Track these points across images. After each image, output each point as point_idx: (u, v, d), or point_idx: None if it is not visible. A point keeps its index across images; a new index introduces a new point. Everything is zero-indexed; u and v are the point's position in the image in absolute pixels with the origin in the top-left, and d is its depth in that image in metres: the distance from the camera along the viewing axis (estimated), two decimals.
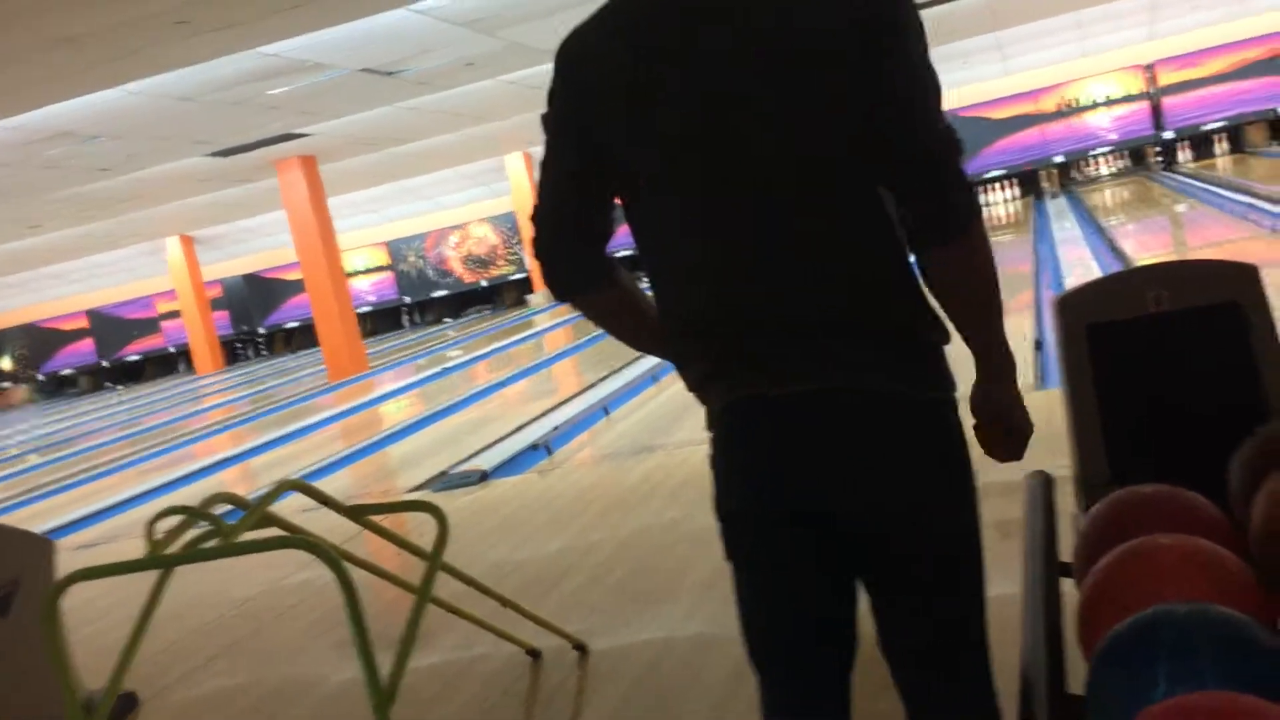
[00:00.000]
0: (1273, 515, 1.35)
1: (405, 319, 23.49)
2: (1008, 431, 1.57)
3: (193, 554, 2.41)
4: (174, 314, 22.76)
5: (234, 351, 23.90)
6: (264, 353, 24.08)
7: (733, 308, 1.47)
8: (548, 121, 1.56)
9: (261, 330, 23.71)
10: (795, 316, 1.44)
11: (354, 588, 2.13)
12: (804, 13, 1.39)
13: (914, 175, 1.41)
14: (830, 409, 1.44)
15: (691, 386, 1.60)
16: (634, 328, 1.64)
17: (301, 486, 2.87)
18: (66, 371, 24.89)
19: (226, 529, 2.47)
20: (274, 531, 2.62)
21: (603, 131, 1.49)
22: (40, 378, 25.02)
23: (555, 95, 1.55)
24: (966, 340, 1.52)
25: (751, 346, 1.47)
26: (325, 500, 2.92)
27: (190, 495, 7.27)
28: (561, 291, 1.61)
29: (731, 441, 1.52)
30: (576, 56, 1.52)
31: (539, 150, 1.58)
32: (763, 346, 1.46)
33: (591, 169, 1.52)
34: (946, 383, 1.50)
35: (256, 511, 2.53)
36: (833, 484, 1.45)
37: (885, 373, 1.44)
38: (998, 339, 1.54)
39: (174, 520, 2.65)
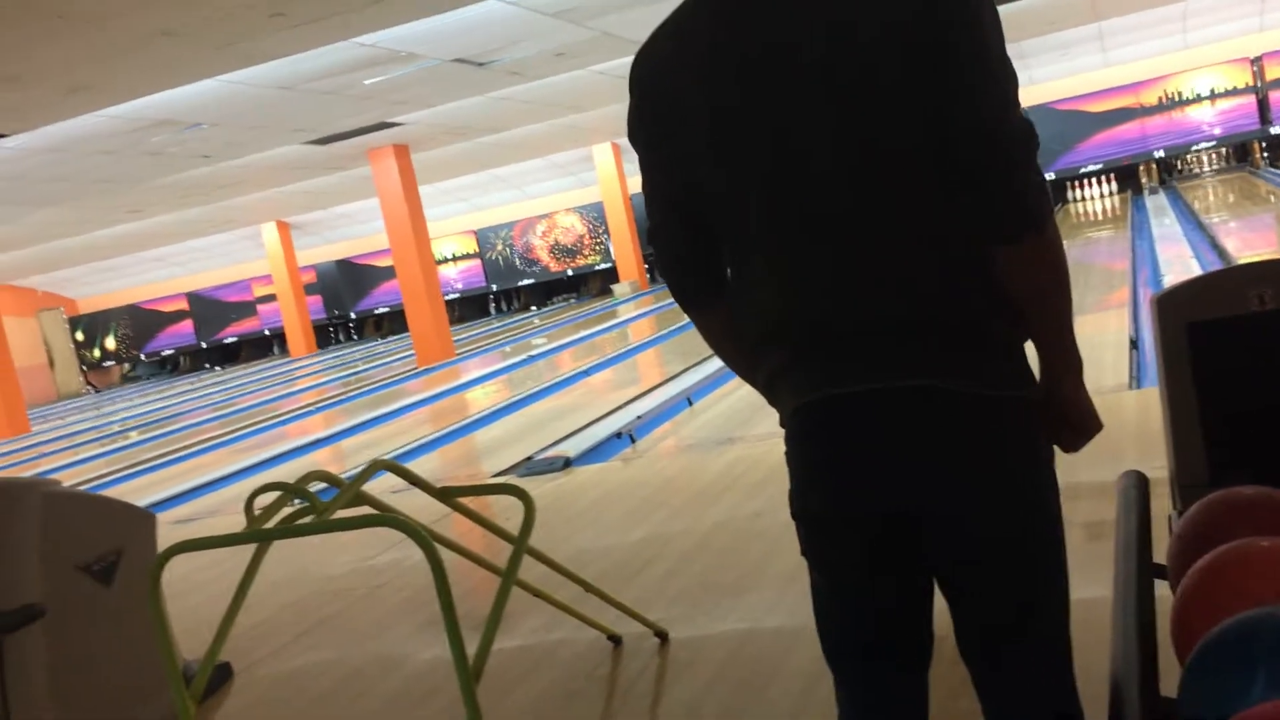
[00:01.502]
0: None
1: (492, 306, 23.76)
2: (1074, 429, 1.54)
3: (289, 529, 2.48)
4: (270, 298, 23.33)
5: (326, 335, 24.41)
6: (355, 337, 24.57)
7: (803, 311, 1.47)
8: (634, 140, 1.59)
9: (353, 315, 24.18)
10: (864, 317, 1.44)
11: (443, 568, 2.17)
12: (872, 12, 1.38)
13: (989, 171, 1.38)
14: (900, 407, 1.43)
15: (761, 388, 1.61)
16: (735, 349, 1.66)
17: (393, 467, 2.93)
18: (167, 352, 25.68)
19: (321, 506, 2.54)
20: (366, 511, 2.68)
21: (684, 143, 1.51)
22: (142, 357, 25.85)
23: (634, 114, 1.58)
24: (1033, 337, 1.50)
25: (821, 349, 1.47)
26: (416, 481, 2.98)
27: (284, 474, 7.46)
28: (684, 306, 1.66)
29: (803, 441, 1.53)
30: (651, 74, 1.55)
31: (627, 142, 1.61)
32: (832, 348, 1.46)
33: (682, 186, 1.55)
34: (1020, 380, 1.48)
35: (351, 489, 2.59)
36: (905, 482, 1.45)
37: (955, 371, 1.42)
38: (1066, 338, 1.51)
39: (271, 496, 2.74)
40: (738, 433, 6.30)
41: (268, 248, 21.53)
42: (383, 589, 4.50)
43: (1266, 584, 1.16)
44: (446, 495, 2.98)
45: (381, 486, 5.50)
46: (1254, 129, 17.96)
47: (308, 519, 2.53)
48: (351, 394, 13.44)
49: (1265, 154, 18.24)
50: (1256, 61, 17.74)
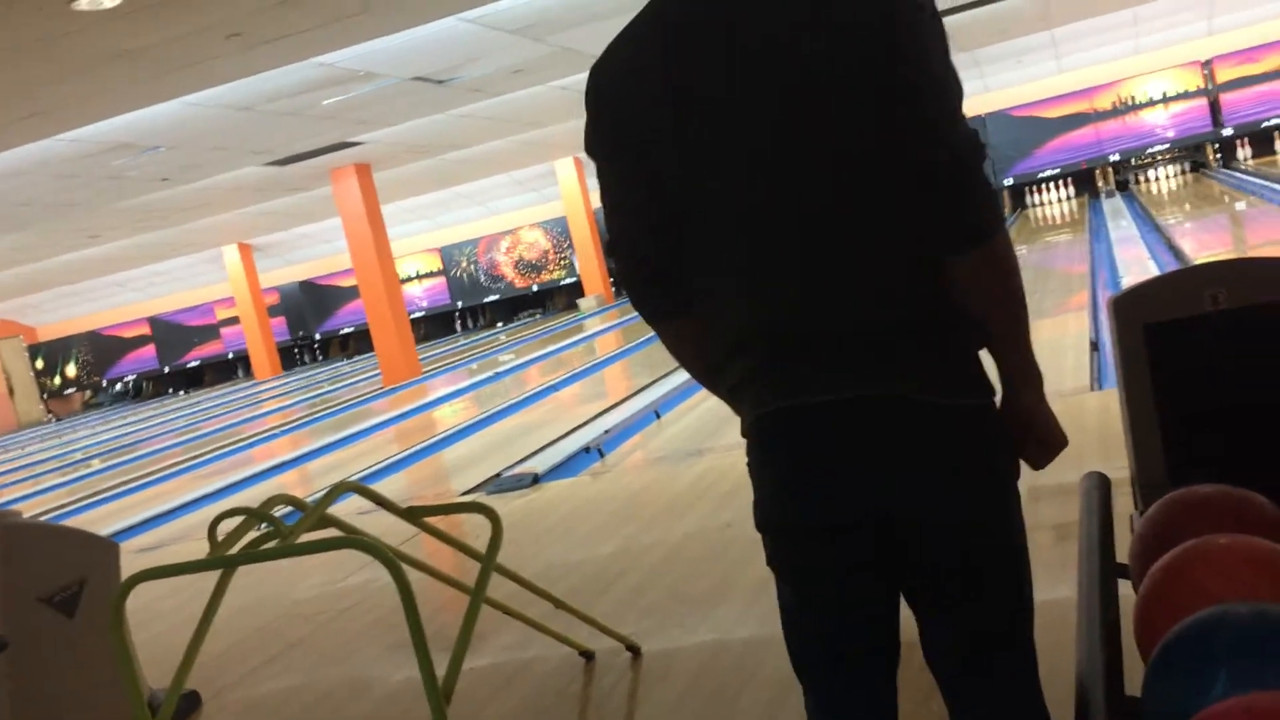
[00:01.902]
0: None
1: (458, 324, 23.69)
2: (1037, 442, 1.55)
3: (254, 554, 2.45)
4: (233, 320, 23.14)
5: (291, 357, 24.24)
6: (320, 358, 24.41)
7: (765, 322, 1.48)
8: (592, 152, 1.59)
9: (318, 336, 24.04)
10: (826, 329, 1.44)
11: (410, 588, 2.16)
12: (819, 22, 1.39)
13: (936, 183, 1.39)
14: (861, 417, 1.43)
15: (725, 398, 1.61)
16: (698, 360, 1.66)
17: (359, 489, 2.91)
18: (129, 378, 25.39)
19: (286, 530, 2.51)
20: (332, 533, 2.66)
21: (642, 155, 1.51)
22: (103, 384, 25.55)
23: (592, 126, 1.57)
24: (990, 349, 1.50)
25: (783, 359, 1.47)
26: (382, 502, 2.96)
27: (250, 498, 7.39)
28: (647, 319, 1.65)
29: (765, 452, 1.53)
30: (609, 85, 1.54)
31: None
32: (794, 359, 1.46)
33: (645, 196, 1.54)
34: (981, 389, 1.48)
35: (315, 512, 2.57)
36: (867, 492, 1.45)
37: (916, 380, 1.43)
38: (1022, 349, 1.51)
39: (235, 522, 2.71)
40: (706, 444, 6.31)
41: (229, 270, 21.36)
42: (351, 611, 4.47)
43: (1226, 582, 1.17)
44: (413, 515, 2.96)
45: (348, 508, 5.46)
46: (1206, 131, 18.24)
47: (272, 543, 2.50)
48: (317, 415, 13.34)
49: (1218, 155, 18.53)
50: (1207, 65, 18.03)
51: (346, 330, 23.56)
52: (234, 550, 2.55)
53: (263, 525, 2.68)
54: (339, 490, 2.73)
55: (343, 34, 7.74)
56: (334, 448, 10.07)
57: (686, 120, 1.46)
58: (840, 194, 1.42)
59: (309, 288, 23.67)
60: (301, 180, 14.29)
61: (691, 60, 1.46)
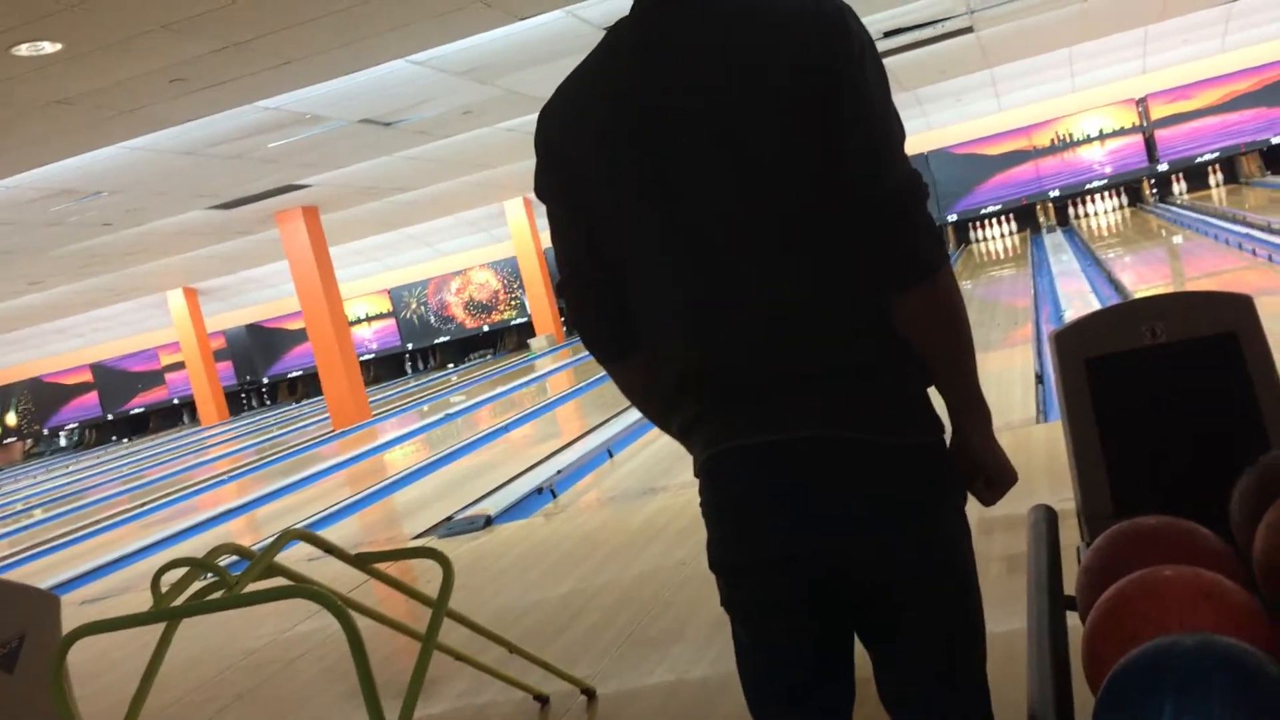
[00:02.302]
0: (1275, 545, 1.36)
1: (408, 366, 23.54)
2: (986, 480, 1.57)
3: (198, 605, 2.41)
4: (178, 366, 22.82)
5: (238, 402, 23.93)
6: (268, 402, 24.12)
7: (712, 363, 1.48)
8: (541, 195, 1.60)
9: (265, 380, 23.76)
10: (772, 369, 1.45)
11: (359, 636, 2.13)
12: (761, 66, 1.40)
13: (878, 221, 1.40)
14: (811, 457, 1.44)
15: (676, 435, 1.61)
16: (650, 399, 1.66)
17: (306, 536, 2.87)
18: (71, 425, 24.90)
19: (231, 580, 2.47)
20: (280, 581, 2.61)
21: (589, 197, 1.53)
22: (45, 432, 25.03)
23: (541, 168, 1.59)
24: (938, 386, 1.51)
25: (731, 400, 1.48)
26: (330, 549, 2.92)
27: (196, 547, 7.27)
28: (599, 359, 1.66)
29: (717, 492, 1.53)
30: (556, 129, 1.56)
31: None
32: (742, 399, 1.47)
33: (592, 238, 1.55)
34: (927, 427, 1.49)
35: (261, 562, 2.53)
36: (818, 531, 1.45)
37: (865, 420, 1.43)
38: (968, 386, 1.52)
39: (179, 573, 2.66)
40: (660, 483, 6.30)
41: (174, 315, 21.08)
42: (301, 660, 4.39)
43: (1171, 612, 1.18)
44: (363, 562, 2.92)
45: (297, 555, 5.38)
46: (1142, 166, 18.67)
47: (218, 594, 2.46)
48: (266, 461, 13.16)
49: (1154, 190, 18.95)
50: (1141, 102, 18.48)
51: (295, 374, 23.32)
52: (179, 601, 2.50)
53: (208, 575, 2.63)
54: (286, 538, 2.69)
55: (287, 78, 7.72)
56: (283, 493, 9.93)
57: (629, 164, 1.48)
58: (784, 236, 1.43)
59: (256, 331, 23.42)
60: (247, 223, 14.17)
61: (635, 106, 1.47)
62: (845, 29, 1.41)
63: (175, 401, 23.94)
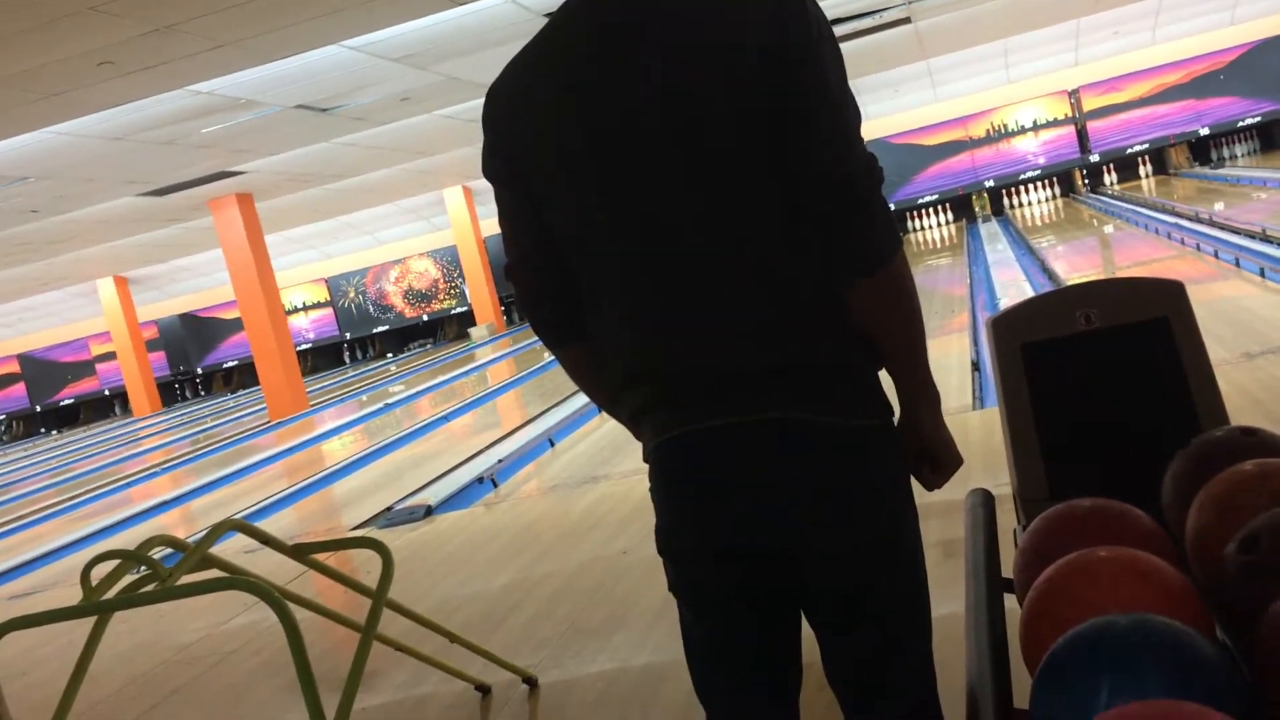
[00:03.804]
0: (1206, 525, 1.38)
1: (346, 355, 23.28)
2: (933, 463, 1.58)
3: (129, 598, 2.36)
4: (109, 356, 22.36)
5: (172, 393, 23.51)
6: (202, 393, 23.73)
7: (662, 349, 1.47)
8: (489, 176, 1.58)
9: (200, 370, 23.36)
10: (723, 355, 1.44)
11: (297, 628, 2.09)
12: (716, 49, 1.39)
13: (835, 206, 1.39)
14: (761, 440, 1.43)
15: (626, 422, 1.60)
16: (599, 384, 1.65)
17: (242, 526, 2.82)
18: None
19: (164, 572, 2.42)
20: (215, 573, 2.57)
21: (536, 182, 1.51)
22: None
23: (488, 151, 1.57)
24: (889, 371, 1.52)
25: (682, 385, 1.47)
26: (267, 540, 2.88)
27: (129, 540, 7.13)
28: (547, 344, 1.64)
29: (667, 477, 1.52)
30: (502, 111, 1.53)
31: (479, 184, 1.60)
32: (693, 385, 1.46)
33: (539, 222, 1.53)
34: (880, 410, 1.50)
35: (196, 553, 2.48)
36: (765, 515, 1.45)
37: (816, 402, 1.44)
38: (920, 371, 1.53)
39: (110, 565, 2.60)
40: (601, 471, 6.29)
41: (105, 304, 20.64)
42: (238, 653, 4.32)
43: (1106, 593, 1.20)
44: (300, 552, 2.88)
45: (233, 547, 5.30)
46: (1075, 158, 18.99)
47: (151, 586, 2.40)
48: (200, 452, 12.95)
49: (1086, 180, 19.30)
50: (1074, 94, 18.79)
51: (230, 364, 22.96)
52: (110, 595, 2.44)
53: (140, 568, 2.58)
54: (221, 529, 2.64)
55: (220, 62, 7.57)
56: (218, 485, 9.77)
57: (576, 149, 1.46)
58: (735, 219, 1.42)
59: (190, 321, 23.02)
60: (180, 211, 13.90)
61: (582, 88, 1.45)
62: (804, 12, 1.40)
63: (106, 393, 23.47)
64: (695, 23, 1.41)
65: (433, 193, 19.20)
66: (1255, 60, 17.84)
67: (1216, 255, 9.04)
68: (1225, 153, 18.67)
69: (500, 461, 7.36)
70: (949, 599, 2.08)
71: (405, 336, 22.86)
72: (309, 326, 22.56)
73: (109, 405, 23.89)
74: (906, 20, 12.28)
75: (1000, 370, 1.96)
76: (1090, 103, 18.72)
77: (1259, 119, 18.12)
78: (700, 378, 1.46)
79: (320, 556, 3.19)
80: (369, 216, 19.86)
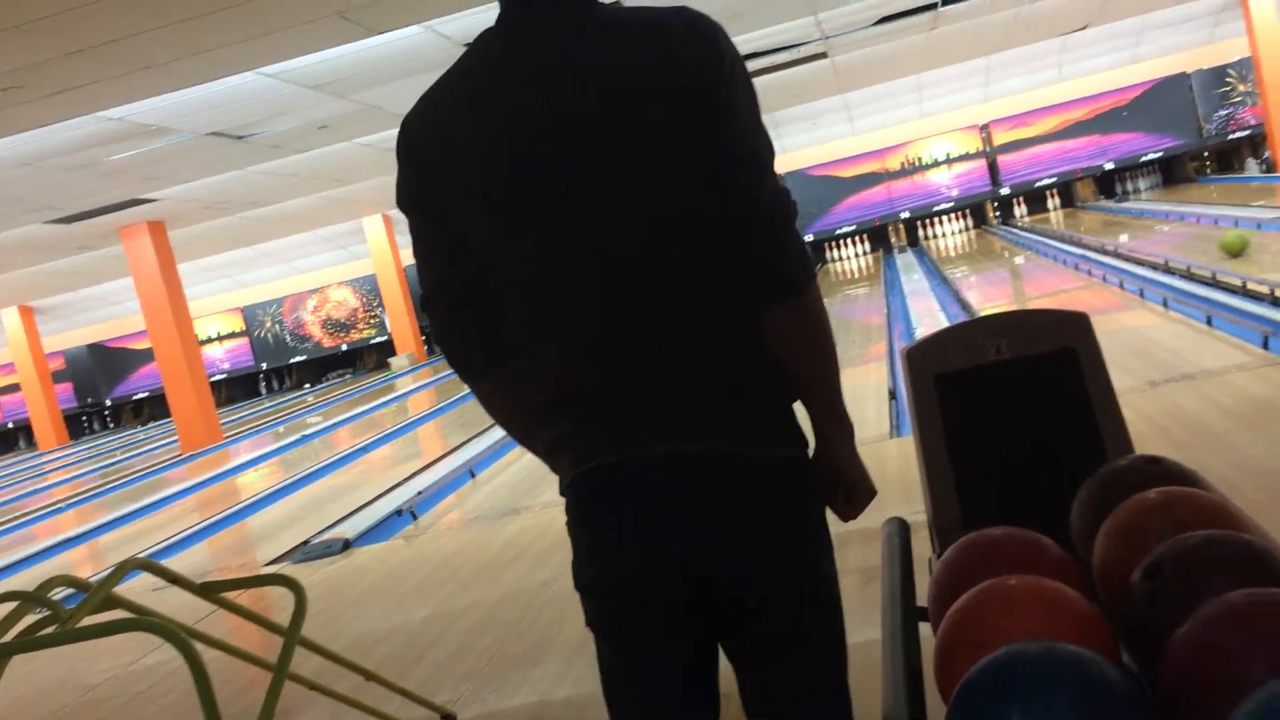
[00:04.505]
0: (1112, 553, 1.41)
1: (263, 386, 22.84)
2: (847, 493, 1.60)
3: (28, 641, 2.27)
4: (13, 388, 21.64)
5: (79, 425, 22.84)
6: (111, 425, 23.08)
7: (581, 380, 1.47)
8: (403, 207, 1.56)
9: (109, 402, 22.74)
10: (640, 385, 1.45)
11: (203, 669, 2.04)
12: (636, 82, 1.40)
13: (749, 237, 1.41)
14: (677, 473, 1.44)
15: (542, 455, 1.59)
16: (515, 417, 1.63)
17: (147, 565, 2.74)
18: None
19: (65, 614, 2.34)
20: (119, 614, 2.49)
21: (456, 212, 1.50)
22: None
23: (404, 180, 1.55)
24: (803, 401, 1.53)
25: (600, 417, 1.47)
26: (174, 579, 2.80)
27: (32, 579, 6.88)
28: (463, 377, 1.62)
29: (584, 510, 1.52)
30: (418, 140, 1.53)
31: (399, 213, 1.58)
32: (611, 416, 1.46)
33: (455, 251, 1.52)
34: (795, 441, 1.51)
35: (99, 593, 2.40)
36: (682, 548, 1.45)
37: (731, 434, 1.45)
38: (833, 401, 1.55)
39: (9, 607, 2.51)
40: (523, 502, 6.25)
41: (9, 334, 19.99)
42: (146, 695, 4.19)
43: (1017, 621, 1.22)
44: (209, 591, 2.81)
45: (143, 584, 5.15)
46: (986, 190, 19.46)
47: (51, 629, 2.32)
48: (109, 486, 12.58)
49: (997, 212, 19.78)
50: (985, 128, 19.29)
51: (141, 395, 22.38)
52: (8, 637, 2.35)
53: (41, 609, 2.49)
54: (125, 568, 2.56)
55: (131, 88, 7.42)
56: (127, 520, 9.49)
57: (495, 177, 1.45)
58: (653, 252, 1.43)
59: (99, 351, 22.41)
60: (89, 239, 13.56)
61: (500, 118, 1.45)
62: (718, 46, 1.42)
63: (10, 425, 22.71)
64: (614, 59, 1.42)
65: (352, 221, 19.00)
66: (1156, 98, 18.50)
67: (1122, 286, 9.31)
68: (1129, 186, 19.28)
69: (420, 493, 7.26)
70: (866, 626, 2.10)
71: (323, 366, 22.51)
72: (224, 357, 22.12)
73: (13, 438, 23.12)
74: (823, 55, 12.51)
75: (914, 400, 1.99)
76: (1000, 137, 19.22)
77: (1160, 154, 18.76)
78: (619, 408, 1.46)
79: (233, 594, 3.12)
80: (286, 245, 19.56)
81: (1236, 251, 9.26)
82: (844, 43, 12.04)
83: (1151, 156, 18.79)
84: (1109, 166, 18.95)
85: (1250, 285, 7.58)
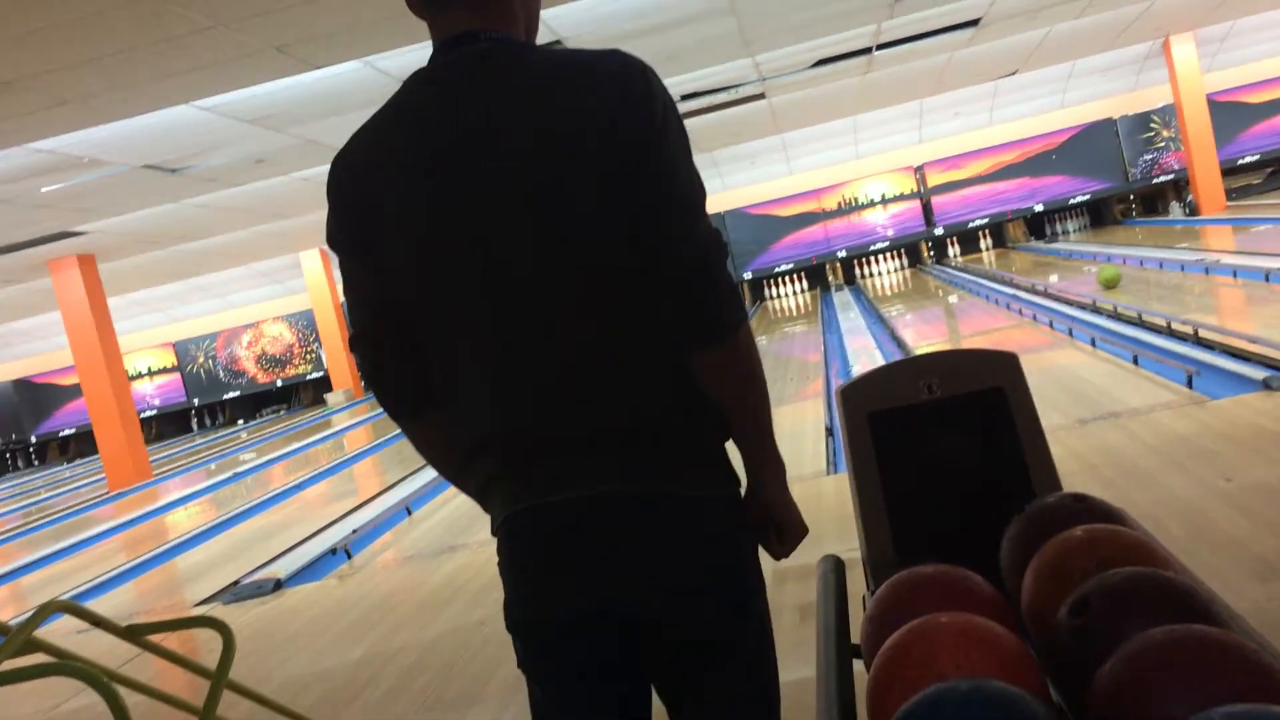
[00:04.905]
0: (1040, 590, 1.43)
1: (194, 422, 22.43)
2: (779, 532, 1.60)
3: None
4: None
5: (2, 463, 22.23)
6: (35, 463, 22.50)
7: (510, 420, 1.47)
8: (333, 245, 1.56)
9: (33, 439, 22.17)
10: (570, 426, 1.45)
11: (127, 714, 1.98)
12: (564, 125, 1.41)
13: (680, 280, 1.42)
14: (608, 513, 1.44)
15: (473, 496, 1.59)
16: (445, 457, 1.63)
17: (70, 608, 2.67)
18: None
19: None
20: (40, 658, 2.42)
21: (386, 250, 1.50)
22: None
23: (333, 219, 1.55)
24: (735, 441, 1.54)
25: (529, 457, 1.47)
26: (98, 621, 2.73)
27: None
28: (393, 416, 1.61)
29: (514, 551, 1.51)
30: (348, 179, 1.52)
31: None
32: (540, 457, 1.46)
33: (385, 292, 1.52)
34: (726, 481, 1.52)
35: (18, 637, 2.33)
36: (613, 588, 1.45)
37: (663, 475, 1.45)
38: (765, 440, 1.56)
39: None
40: (459, 540, 6.19)
41: None
42: None
43: (948, 658, 1.23)
44: (135, 634, 2.74)
45: (67, 626, 5.01)
46: (920, 230, 19.81)
47: None
48: (32, 525, 12.24)
49: (932, 252, 20.13)
50: (919, 170, 19.66)
51: (67, 432, 21.86)
52: None
53: None
54: (47, 610, 2.49)
55: (60, 120, 7.30)
56: (51, 560, 9.24)
57: (423, 218, 1.45)
58: (583, 293, 1.43)
59: (24, 387, 21.88)
60: (16, 272, 13.27)
61: (430, 158, 1.45)
62: (649, 90, 1.43)
63: None
64: (545, 100, 1.43)
65: (289, 255, 18.81)
66: (1084, 142, 19.00)
67: (1051, 325, 9.51)
68: (1059, 228, 19.75)
69: (355, 531, 7.16)
70: (802, 664, 2.10)
71: (258, 402, 22.18)
72: (154, 392, 21.70)
73: None
74: (761, 96, 12.69)
75: (849, 438, 2.00)
76: (934, 179, 19.60)
77: (1088, 197, 19.24)
78: (549, 450, 1.46)
79: (160, 637, 3.04)
80: (220, 279, 19.31)
81: (1111, 284, 10.82)
82: (781, 84, 12.23)
83: (1080, 199, 19.27)
84: (1039, 208, 19.40)
85: (1175, 326, 7.78)
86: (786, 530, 1.60)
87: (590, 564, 1.45)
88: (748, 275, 19.82)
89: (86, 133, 7.87)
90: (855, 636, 1.70)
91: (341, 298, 19.29)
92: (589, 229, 1.41)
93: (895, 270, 19.94)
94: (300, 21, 6.26)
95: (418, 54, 7.40)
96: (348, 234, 1.53)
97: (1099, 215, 19.69)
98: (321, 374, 21.01)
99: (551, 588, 1.48)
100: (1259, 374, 5.80)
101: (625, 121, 1.40)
